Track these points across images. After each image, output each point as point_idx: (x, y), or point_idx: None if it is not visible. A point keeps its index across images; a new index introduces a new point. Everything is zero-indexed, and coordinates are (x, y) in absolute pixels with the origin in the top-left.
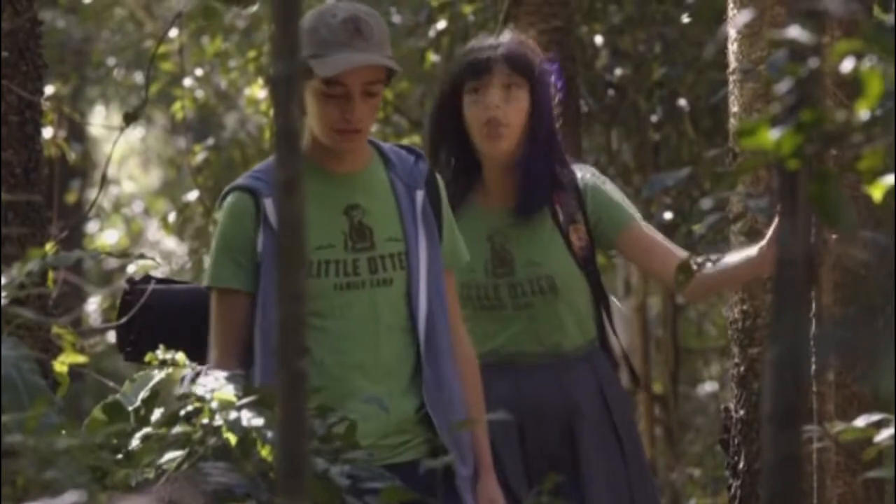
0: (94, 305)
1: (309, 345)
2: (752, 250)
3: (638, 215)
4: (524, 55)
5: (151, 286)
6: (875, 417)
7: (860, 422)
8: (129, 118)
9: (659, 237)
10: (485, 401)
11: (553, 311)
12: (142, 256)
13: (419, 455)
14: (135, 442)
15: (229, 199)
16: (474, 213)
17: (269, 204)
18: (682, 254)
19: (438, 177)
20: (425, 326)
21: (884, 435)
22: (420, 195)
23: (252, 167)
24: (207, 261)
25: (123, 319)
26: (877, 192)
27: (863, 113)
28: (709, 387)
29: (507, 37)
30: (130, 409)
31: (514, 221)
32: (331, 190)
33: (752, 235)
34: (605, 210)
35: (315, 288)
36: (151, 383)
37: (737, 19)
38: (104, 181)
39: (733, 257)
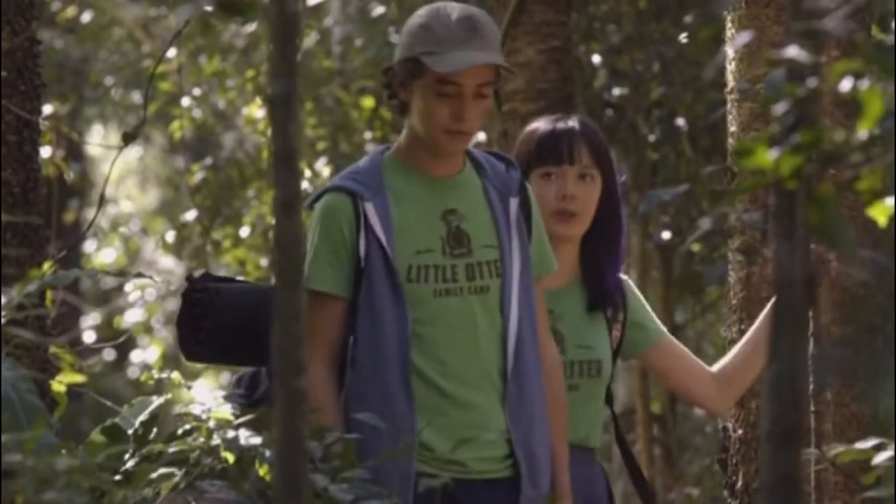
0: (90, 324)
1: (411, 352)
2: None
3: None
4: (602, 143)
5: (214, 285)
6: (874, 441)
7: (859, 445)
8: (128, 138)
9: (685, 349)
10: None
11: (595, 397)
12: (139, 275)
13: (510, 474)
14: (133, 462)
15: (326, 199)
16: None
17: (370, 208)
18: (707, 368)
19: (530, 186)
20: (515, 338)
21: (882, 457)
22: (514, 203)
23: (251, 186)
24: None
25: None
26: (880, 215)
27: (862, 133)
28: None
29: (576, 120)
30: (129, 431)
31: (568, 303)
32: (428, 193)
33: (750, 254)
34: (641, 317)
35: (415, 293)
36: (150, 407)
37: (736, 41)
38: (102, 201)
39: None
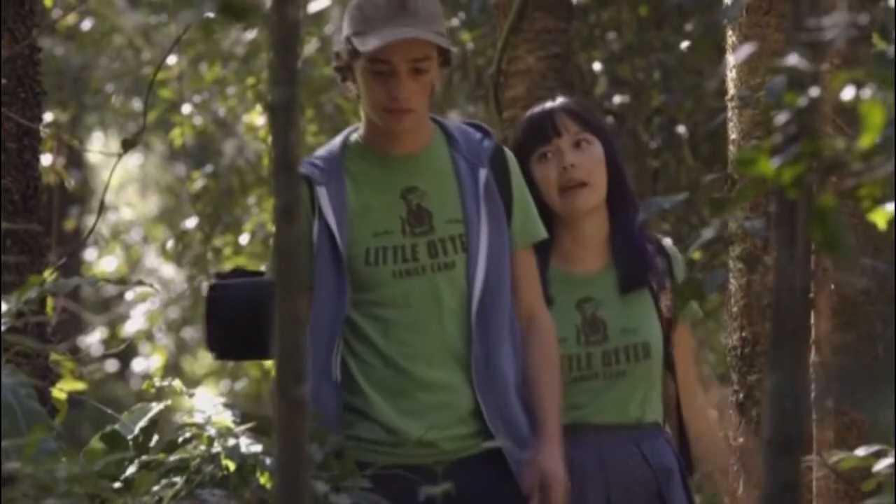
0: (94, 335)
1: (370, 336)
2: None
3: None
4: (588, 111)
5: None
6: (874, 448)
7: (860, 452)
8: (128, 145)
9: (692, 355)
10: (568, 472)
11: (645, 380)
12: (140, 283)
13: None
14: (133, 469)
15: None
16: (557, 279)
17: (322, 193)
18: (697, 392)
19: (509, 153)
20: (477, 307)
21: (883, 464)
22: (483, 173)
23: (251, 194)
24: (203, 288)
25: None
26: (881, 221)
27: (863, 142)
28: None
29: (557, 100)
30: (129, 438)
31: (606, 287)
32: (387, 174)
33: (751, 262)
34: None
35: (373, 276)
36: (150, 414)
37: (738, 52)
38: (102, 208)
39: None
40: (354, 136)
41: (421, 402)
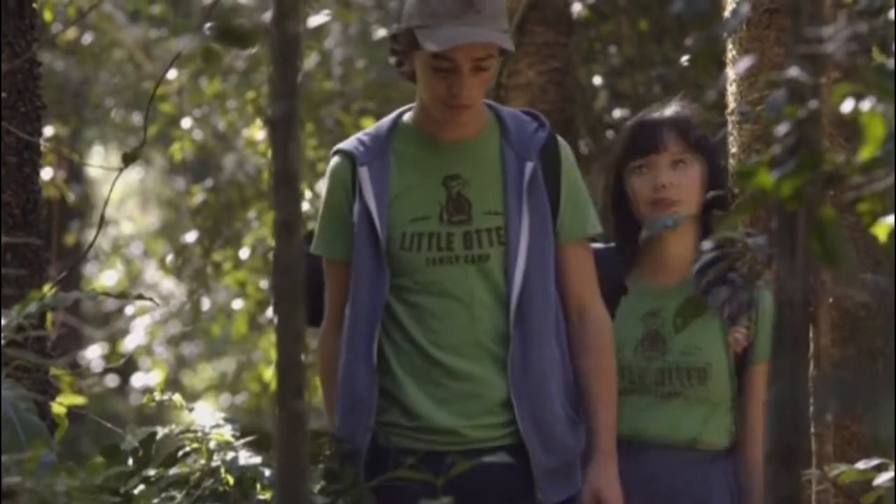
0: (95, 351)
1: (403, 321)
2: None
3: None
4: (694, 128)
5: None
6: (875, 461)
7: (860, 465)
8: (128, 159)
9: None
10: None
11: (702, 404)
12: (139, 297)
13: (514, 441)
14: (133, 482)
15: (332, 160)
16: (631, 288)
17: (363, 172)
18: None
19: (563, 144)
20: (517, 304)
21: (883, 478)
22: (529, 166)
23: (252, 208)
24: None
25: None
26: (881, 234)
27: (863, 155)
28: None
29: (670, 108)
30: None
31: (676, 305)
32: (432, 158)
33: (753, 278)
34: (763, 336)
35: (407, 262)
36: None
37: (738, 66)
38: (102, 222)
39: None
40: (406, 117)
41: (450, 390)
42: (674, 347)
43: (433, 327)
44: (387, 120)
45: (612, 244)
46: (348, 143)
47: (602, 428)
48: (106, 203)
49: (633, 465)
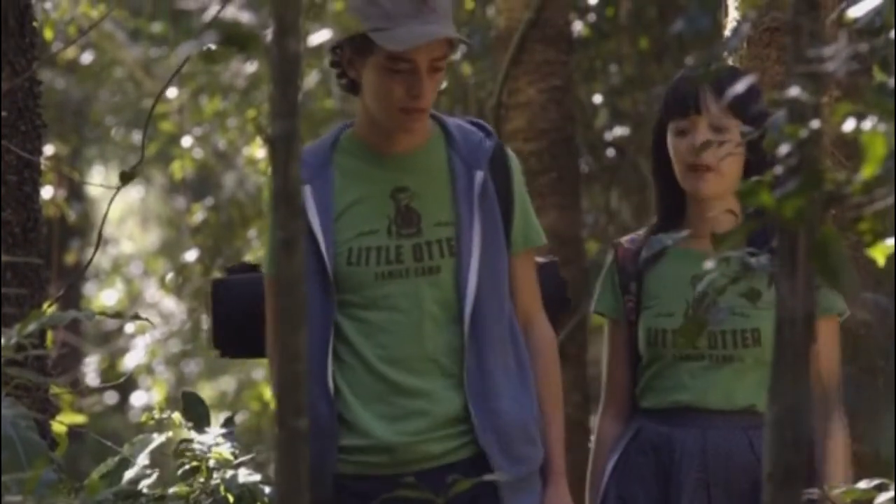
0: (93, 367)
1: (350, 337)
2: None
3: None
4: (747, 92)
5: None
6: (876, 481)
7: (862, 484)
8: (126, 177)
9: (832, 354)
10: (669, 457)
11: (758, 367)
12: (136, 317)
13: (470, 454)
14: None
15: None
16: (676, 253)
17: (305, 191)
18: (830, 394)
19: (511, 155)
20: (471, 315)
21: (884, 498)
22: (479, 175)
23: (251, 227)
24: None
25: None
26: (879, 255)
27: (864, 174)
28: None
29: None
30: (129, 471)
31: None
32: (379, 171)
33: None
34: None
35: (355, 277)
36: (151, 445)
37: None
38: (100, 240)
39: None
40: (347, 132)
41: (397, 407)
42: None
43: (382, 342)
44: (327, 136)
45: (554, 258)
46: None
47: (553, 445)
48: (104, 221)
49: (688, 434)
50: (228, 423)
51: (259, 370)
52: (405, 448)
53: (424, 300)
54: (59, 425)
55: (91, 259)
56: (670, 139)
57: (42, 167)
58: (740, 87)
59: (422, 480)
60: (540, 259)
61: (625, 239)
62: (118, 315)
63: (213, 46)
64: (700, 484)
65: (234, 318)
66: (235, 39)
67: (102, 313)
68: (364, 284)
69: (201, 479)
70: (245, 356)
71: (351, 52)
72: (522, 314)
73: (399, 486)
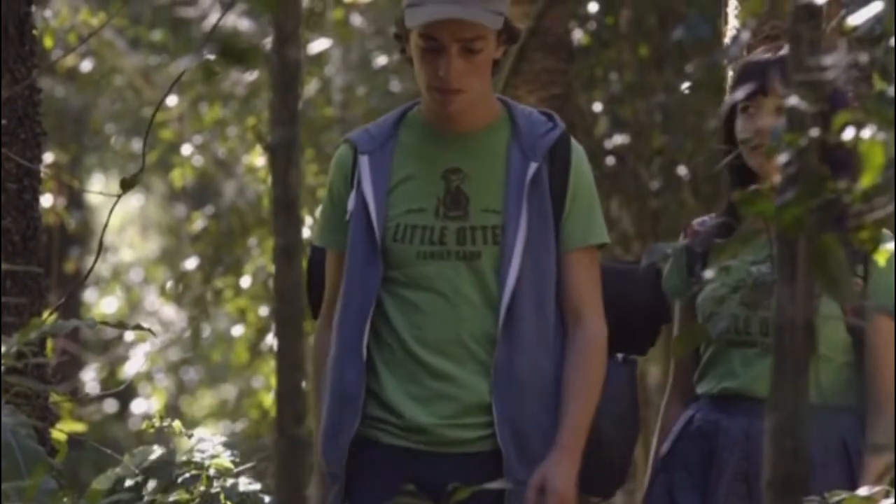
0: (92, 374)
1: (390, 314)
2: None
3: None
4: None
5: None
6: (876, 488)
7: (862, 491)
8: (127, 185)
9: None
10: (714, 443)
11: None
12: (139, 327)
13: (493, 446)
14: None
15: (338, 149)
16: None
17: (363, 161)
18: (883, 395)
19: (576, 147)
20: (507, 308)
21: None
22: (533, 167)
23: (251, 235)
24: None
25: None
26: (881, 260)
27: (864, 182)
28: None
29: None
30: (130, 481)
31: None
32: (435, 150)
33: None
34: (875, 287)
35: (399, 254)
36: (151, 457)
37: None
38: (101, 248)
39: None
40: (415, 109)
41: (427, 389)
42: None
43: (418, 323)
44: (396, 110)
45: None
46: (355, 133)
47: (569, 423)
48: (104, 229)
49: (735, 421)
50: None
51: (259, 378)
52: (433, 430)
53: (463, 284)
54: (59, 433)
55: (92, 267)
56: (739, 115)
57: (42, 175)
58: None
59: (446, 463)
60: (633, 264)
61: (696, 221)
62: (122, 325)
63: (211, 58)
64: (739, 472)
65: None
66: (234, 52)
67: (105, 323)
68: (406, 262)
69: (201, 488)
70: None
71: (400, 29)
72: (572, 311)
73: (427, 463)
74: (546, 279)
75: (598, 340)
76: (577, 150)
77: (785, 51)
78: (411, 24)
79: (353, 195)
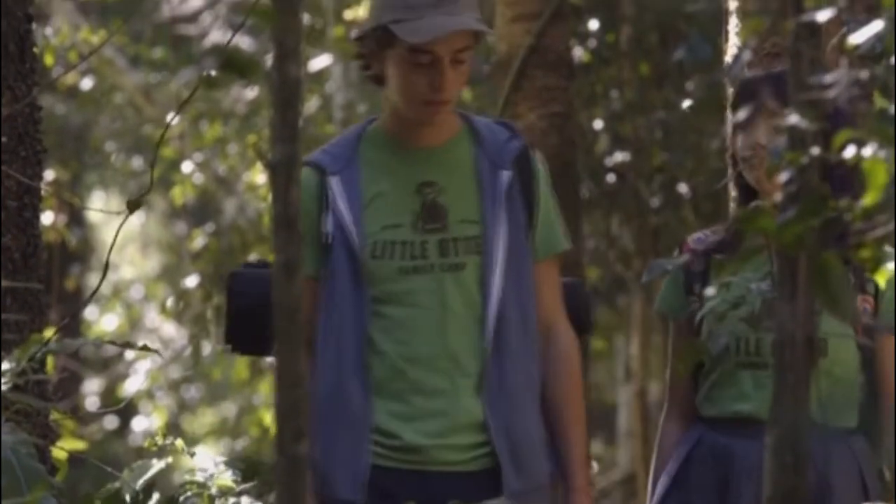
0: (92, 391)
1: (372, 333)
2: None
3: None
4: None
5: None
6: None
7: None
8: (133, 205)
9: None
10: (729, 469)
11: (822, 379)
12: (144, 348)
13: (489, 465)
14: None
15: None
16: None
17: (334, 182)
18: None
19: (537, 157)
20: (496, 318)
21: None
22: (505, 175)
23: (252, 252)
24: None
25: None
26: (881, 280)
27: (865, 201)
28: None
29: (778, 66)
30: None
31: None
32: (405, 165)
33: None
34: (889, 300)
35: (378, 271)
36: (150, 472)
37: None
38: (107, 268)
39: None
40: (373, 125)
41: (415, 407)
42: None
43: (403, 339)
44: (353, 129)
45: (578, 279)
46: (314, 156)
47: (576, 462)
48: (111, 248)
49: (749, 447)
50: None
51: (259, 395)
52: (425, 451)
53: (448, 297)
54: (60, 451)
55: (98, 286)
56: (736, 131)
57: (42, 193)
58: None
59: (441, 481)
60: (565, 279)
61: (692, 238)
62: (128, 345)
63: (213, 73)
64: (758, 497)
65: (246, 314)
66: (235, 66)
67: (112, 342)
68: (387, 279)
69: None
70: (254, 353)
71: (374, 44)
72: (543, 322)
73: (420, 483)
74: (528, 287)
75: (576, 355)
76: (539, 159)
77: (778, 67)
78: (412, 39)
79: (328, 218)
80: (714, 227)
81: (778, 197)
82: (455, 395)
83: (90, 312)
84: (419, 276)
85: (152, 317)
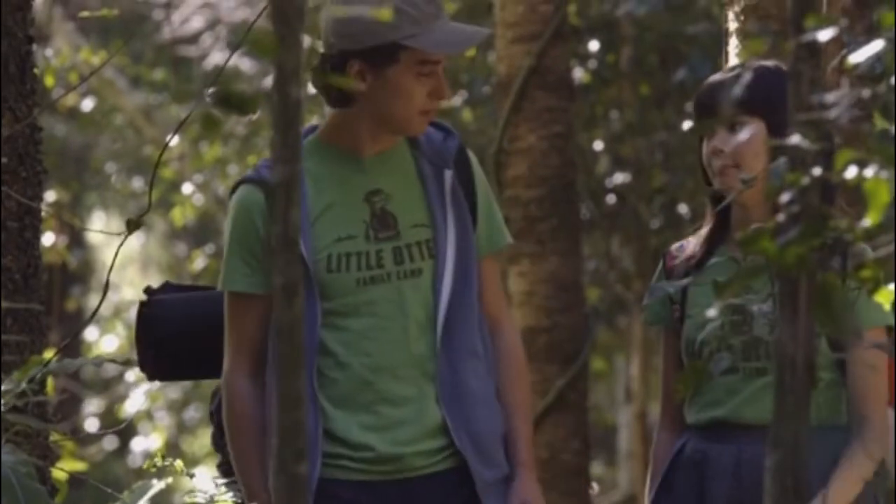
0: (92, 411)
1: (332, 348)
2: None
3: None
4: (759, 86)
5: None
6: None
7: None
8: (132, 225)
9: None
10: (703, 473)
11: None
12: None
13: (455, 464)
14: None
15: (238, 192)
16: (721, 263)
17: None
18: (870, 416)
19: (471, 155)
20: (444, 318)
21: None
22: (448, 175)
23: None
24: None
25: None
26: (884, 301)
27: (866, 221)
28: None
29: (746, 68)
30: None
31: (762, 278)
32: (350, 175)
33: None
34: (861, 308)
35: (335, 284)
36: (150, 493)
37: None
38: (107, 288)
39: None
40: (310, 138)
41: (385, 417)
42: (759, 321)
43: (367, 350)
44: None
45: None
46: (254, 174)
47: (522, 440)
48: (111, 269)
49: (723, 450)
50: None
51: None
52: (400, 458)
53: (408, 304)
54: (60, 472)
55: (97, 308)
56: (703, 144)
57: (43, 213)
58: (742, 84)
59: (408, 487)
60: None
61: (674, 247)
62: (127, 363)
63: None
64: (732, 501)
65: (174, 339)
66: (232, 101)
67: (112, 360)
68: (344, 291)
69: None
70: (176, 379)
71: (364, 64)
72: (489, 317)
73: (388, 490)
74: (473, 284)
75: (520, 347)
76: (473, 157)
77: (732, 72)
78: (443, 49)
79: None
80: (696, 229)
81: (743, 198)
82: (422, 402)
83: (90, 333)
84: (377, 287)
85: None
